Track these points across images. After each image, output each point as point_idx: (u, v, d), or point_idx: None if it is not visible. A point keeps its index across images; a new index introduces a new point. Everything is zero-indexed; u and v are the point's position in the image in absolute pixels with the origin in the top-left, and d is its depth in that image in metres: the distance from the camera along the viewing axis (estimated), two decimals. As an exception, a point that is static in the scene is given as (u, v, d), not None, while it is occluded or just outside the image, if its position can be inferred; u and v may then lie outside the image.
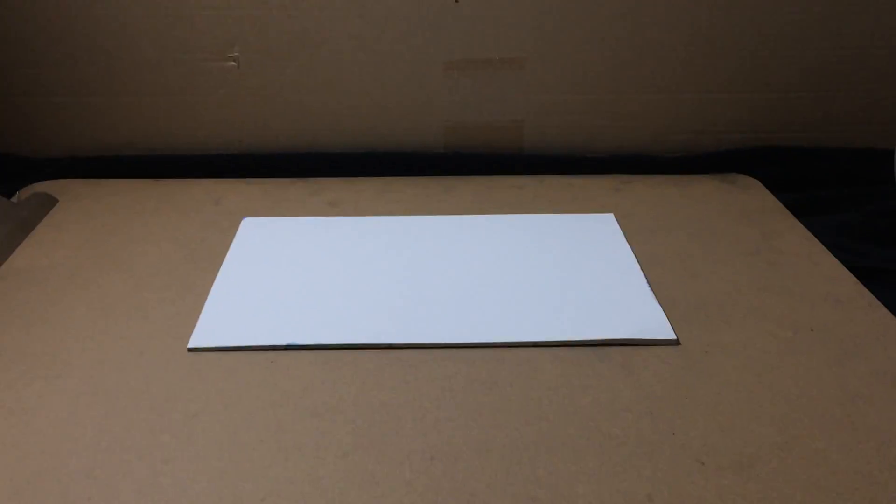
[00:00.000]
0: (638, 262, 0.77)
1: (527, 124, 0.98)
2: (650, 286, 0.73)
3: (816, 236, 0.82)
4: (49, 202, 0.87)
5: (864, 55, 0.94)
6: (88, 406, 0.58)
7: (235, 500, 0.50)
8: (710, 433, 0.56)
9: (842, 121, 0.98)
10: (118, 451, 0.54)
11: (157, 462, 0.53)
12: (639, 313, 0.69)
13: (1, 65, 0.92)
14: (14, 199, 0.86)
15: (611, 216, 0.86)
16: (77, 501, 0.50)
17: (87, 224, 0.84)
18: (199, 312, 0.69)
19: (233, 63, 0.93)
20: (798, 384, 0.61)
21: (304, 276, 0.75)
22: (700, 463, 0.53)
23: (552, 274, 0.75)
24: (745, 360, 0.64)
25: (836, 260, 0.78)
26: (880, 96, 0.96)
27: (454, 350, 0.65)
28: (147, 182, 0.94)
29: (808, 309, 0.70)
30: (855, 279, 0.74)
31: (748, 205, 0.89)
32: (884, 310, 0.70)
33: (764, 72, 0.96)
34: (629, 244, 0.80)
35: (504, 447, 0.55)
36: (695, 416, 0.58)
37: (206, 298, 0.71)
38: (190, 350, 0.65)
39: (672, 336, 0.66)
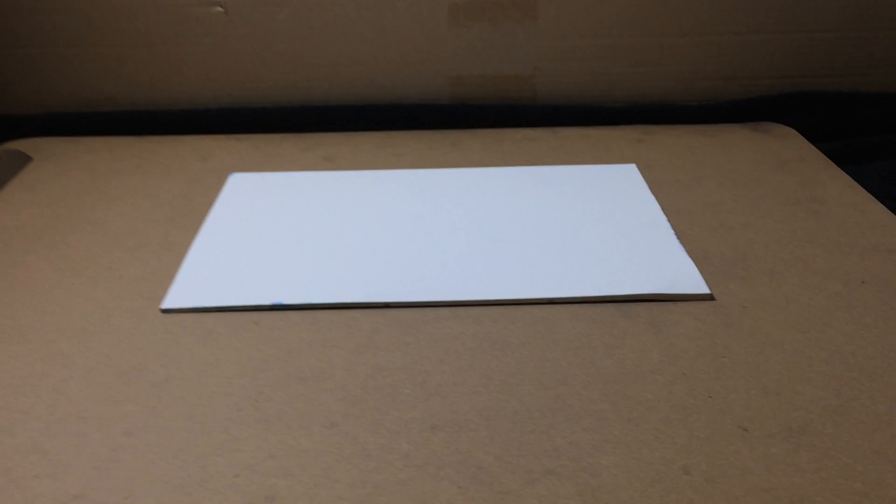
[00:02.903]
0: (664, 214, 0.70)
1: (539, 72, 0.91)
2: (679, 239, 0.66)
3: (861, 185, 0.75)
4: (21, 160, 0.81)
5: (908, -10, 0.87)
6: (44, 374, 0.52)
7: (205, 477, 0.44)
8: (753, 397, 0.49)
9: (883, 63, 0.91)
10: (73, 422, 0.48)
11: (118, 434, 0.47)
12: (667, 267, 0.62)
13: (-30, 15, 0.86)
14: (-17, 158, 0.80)
15: (633, 167, 0.79)
16: (22, 479, 0.44)
17: (61, 183, 0.77)
18: (177, 271, 0.62)
19: (220, 9, 0.86)
20: (852, 341, 0.54)
21: (295, 232, 0.68)
22: (743, 430, 0.46)
23: (569, 227, 0.68)
24: (789, 316, 0.56)
25: (884, 208, 0.71)
26: (926, 35, 0.89)
27: (459, 308, 0.58)
28: (128, 139, 0.87)
29: (857, 260, 0.63)
30: (908, 228, 0.67)
31: (784, 153, 0.82)
32: (943, 260, 0.63)
33: (798, 10, 0.88)
34: (654, 196, 0.73)
35: (516, 414, 0.48)
36: (735, 378, 0.51)
37: (184, 257, 0.64)
38: (164, 311, 0.58)
39: (706, 290, 0.59)
